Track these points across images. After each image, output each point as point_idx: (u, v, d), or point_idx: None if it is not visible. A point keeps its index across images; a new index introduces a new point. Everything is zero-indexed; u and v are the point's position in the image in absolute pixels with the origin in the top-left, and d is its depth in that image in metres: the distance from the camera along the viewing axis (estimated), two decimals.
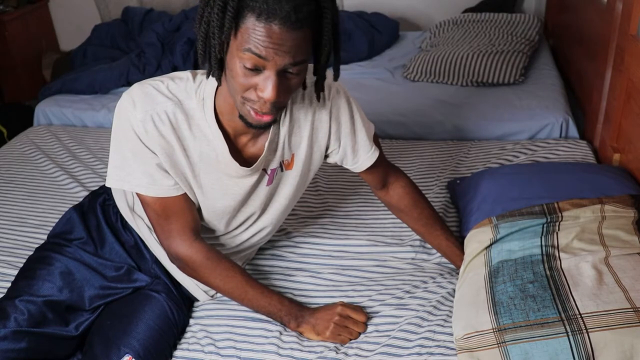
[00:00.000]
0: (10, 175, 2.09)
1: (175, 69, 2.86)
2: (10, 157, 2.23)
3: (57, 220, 1.47)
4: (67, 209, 1.47)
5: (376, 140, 1.39)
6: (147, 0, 3.60)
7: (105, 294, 1.34)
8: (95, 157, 2.17)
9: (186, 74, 1.19)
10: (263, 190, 1.30)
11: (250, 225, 1.37)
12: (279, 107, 1.08)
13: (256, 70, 1.00)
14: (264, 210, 1.35)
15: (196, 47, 1.05)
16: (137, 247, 1.38)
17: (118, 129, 1.17)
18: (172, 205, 1.21)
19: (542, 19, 2.98)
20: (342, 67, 2.90)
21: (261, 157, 1.22)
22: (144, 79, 2.93)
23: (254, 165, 1.23)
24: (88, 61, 3.04)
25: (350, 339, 1.27)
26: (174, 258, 1.26)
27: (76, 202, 1.57)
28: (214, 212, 1.29)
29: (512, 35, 2.70)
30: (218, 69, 1.06)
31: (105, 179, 1.97)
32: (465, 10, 3.23)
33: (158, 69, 2.82)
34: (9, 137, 2.72)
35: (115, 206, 1.39)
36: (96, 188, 1.60)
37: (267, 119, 1.08)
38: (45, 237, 1.47)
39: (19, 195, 1.97)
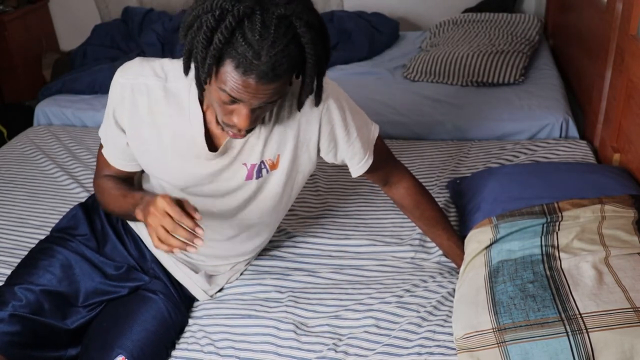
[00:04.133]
0: (10, 175, 2.09)
1: None
2: (10, 157, 2.23)
3: (57, 220, 1.48)
4: (67, 209, 1.48)
5: (379, 141, 1.38)
6: (147, 0, 3.60)
7: (103, 291, 1.35)
8: (95, 157, 2.16)
9: (178, 62, 1.21)
10: (241, 183, 1.27)
11: (234, 216, 1.35)
12: (251, 130, 1.15)
13: (231, 102, 1.04)
14: (247, 204, 1.33)
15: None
16: (137, 247, 1.40)
17: (109, 91, 1.25)
18: (104, 160, 1.32)
19: (542, 19, 2.98)
20: (342, 67, 2.91)
21: (225, 140, 1.21)
22: None
23: (219, 149, 1.23)
24: (88, 61, 3.04)
25: (165, 232, 1.08)
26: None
27: (76, 202, 1.57)
28: (175, 183, 1.29)
29: (512, 35, 2.70)
30: (199, 85, 1.08)
31: None
32: (465, 10, 3.23)
33: None
34: (9, 137, 2.72)
35: None
36: None
37: (241, 137, 1.14)
38: (44, 237, 1.47)
39: (19, 195, 1.97)
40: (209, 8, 0.96)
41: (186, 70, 1.08)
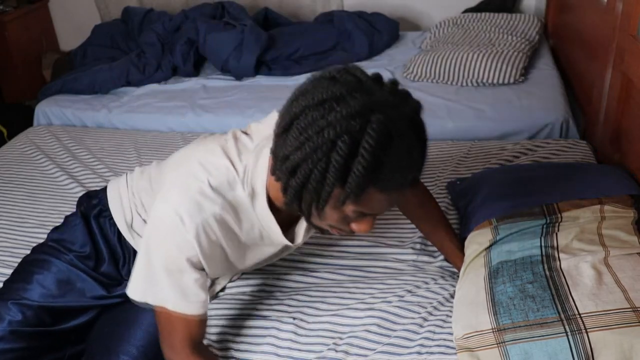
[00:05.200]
0: (10, 175, 2.09)
1: (175, 69, 2.87)
2: (10, 157, 2.23)
3: (57, 220, 1.46)
4: (67, 209, 1.46)
5: None
6: (147, 0, 3.60)
7: (104, 301, 1.33)
8: (95, 157, 2.17)
9: (221, 160, 1.10)
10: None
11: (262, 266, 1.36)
12: None
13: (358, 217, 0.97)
14: (279, 256, 1.33)
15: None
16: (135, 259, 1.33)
17: (158, 244, 1.07)
18: (191, 321, 1.11)
19: (542, 19, 2.98)
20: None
21: (304, 231, 1.19)
22: (144, 79, 2.95)
23: (298, 242, 1.20)
24: (88, 61, 3.04)
25: None
26: None
27: (76, 202, 1.56)
28: (236, 271, 1.27)
29: (512, 35, 2.70)
30: (311, 213, 0.97)
31: (105, 179, 1.98)
32: (465, 10, 3.23)
33: (158, 69, 2.83)
34: (9, 137, 2.72)
35: (111, 218, 1.32)
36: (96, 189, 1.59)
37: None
38: (45, 236, 1.46)
39: (19, 195, 1.97)
40: (330, 137, 0.84)
41: (302, 210, 0.96)
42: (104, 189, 1.37)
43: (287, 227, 1.20)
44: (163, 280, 1.07)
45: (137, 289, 1.11)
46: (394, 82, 0.94)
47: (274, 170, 0.97)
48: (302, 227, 1.20)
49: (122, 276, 1.33)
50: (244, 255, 1.19)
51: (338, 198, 0.90)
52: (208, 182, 1.06)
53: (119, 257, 1.32)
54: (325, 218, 0.97)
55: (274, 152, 0.96)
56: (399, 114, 0.88)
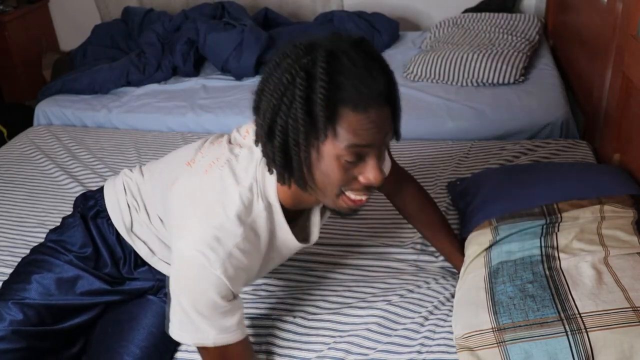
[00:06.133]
0: (10, 175, 2.09)
1: (175, 69, 2.87)
2: (10, 157, 2.23)
3: (57, 220, 1.45)
4: (67, 209, 1.46)
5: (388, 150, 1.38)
6: (147, 0, 3.60)
7: (107, 298, 1.33)
8: (95, 157, 2.17)
9: (232, 186, 1.07)
10: None
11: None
12: (380, 187, 1.04)
13: (357, 160, 0.96)
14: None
15: (262, 136, 0.96)
16: (135, 259, 1.32)
17: (186, 286, 1.05)
18: (233, 349, 1.10)
19: (542, 19, 2.98)
20: None
21: (318, 231, 1.21)
22: (144, 79, 2.94)
23: (313, 241, 1.22)
24: (88, 61, 3.04)
25: None
26: None
27: None
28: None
29: (512, 35, 2.70)
30: (305, 178, 0.98)
31: (104, 179, 1.98)
32: (465, 10, 3.23)
33: (158, 69, 2.83)
34: (9, 137, 2.72)
35: (109, 219, 1.31)
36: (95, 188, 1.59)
37: (366, 200, 1.03)
38: (44, 236, 1.46)
39: (19, 195, 1.97)
40: (288, 82, 0.90)
41: (281, 172, 0.98)
42: (100, 190, 1.37)
43: (300, 227, 1.21)
44: (199, 321, 1.05)
45: (178, 334, 1.09)
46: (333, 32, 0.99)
47: (265, 155, 0.99)
48: (315, 225, 1.21)
49: (123, 276, 1.32)
50: (264, 267, 1.19)
51: (318, 134, 0.92)
52: (225, 213, 1.04)
53: (119, 257, 1.31)
54: (326, 174, 0.96)
55: (257, 137, 0.99)
56: (342, 41, 0.94)
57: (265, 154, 0.99)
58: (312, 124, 0.91)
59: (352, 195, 1.01)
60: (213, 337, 1.06)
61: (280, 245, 1.17)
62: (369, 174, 0.97)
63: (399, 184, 1.44)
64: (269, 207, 1.09)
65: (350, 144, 0.92)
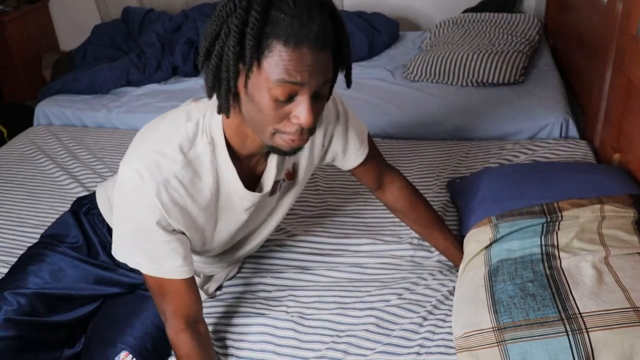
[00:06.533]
0: (10, 175, 2.09)
1: (175, 69, 2.87)
2: (10, 157, 2.23)
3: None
4: (67, 209, 1.47)
5: (370, 141, 1.38)
6: (147, 0, 3.60)
7: (103, 288, 1.34)
8: (95, 157, 2.17)
9: (181, 121, 1.10)
10: (266, 203, 1.27)
11: (249, 241, 1.36)
12: (313, 131, 1.04)
13: (288, 100, 0.96)
14: (263, 223, 1.34)
15: (198, 54, 0.99)
16: None
17: (123, 205, 1.10)
18: (169, 286, 1.13)
19: (542, 19, 2.97)
20: None
21: (273, 179, 1.20)
22: (144, 79, 2.94)
23: (266, 191, 1.20)
24: (88, 61, 3.04)
25: None
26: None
27: None
28: (217, 240, 1.26)
29: (512, 35, 2.70)
30: (229, 104, 1.00)
31: (104, 179, 1.98)
32: (465, 10, 3.23)
33: (158, 69, 2.83)
34: (9, 137, 2.72)
35: (100, 214, 1.36)
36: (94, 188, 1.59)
37: (302, 143, 1.03)
38: None
39: (18, 195, 1.97)
40: (230, 10, 0.92)
41: (211, 95, 1.01)
42: (94, 194, 1.41)
43: (254, 181, 1.21)
44: (132, 243, 1.11)
45: (116, 253, 1.16)
46: None
47: (205, 79, 1.00)
48: (268, 177, 1.20)
49: (116, 264, 1.34)
50: (214, 218, 1.19)
51: (246, 62, 0.92)
52: (168, 142, 1.08)
53: (109, 246, 1.32)
54: (258, 107, 0.97)
55: (198, 61, 1.00)
56: None
57: (205, 80, 1.01)
58: (242, 51, 0.92)
59: (285, 136, 1.01)
60: (145, 264, 1.11)
61: (228, 192, 1.16)
62: (299, 113, 0.97)
63: (383, 177, 1.44)
64: (212, 143, 1.10)
65: (280, 78, 0.92)
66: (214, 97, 1.02)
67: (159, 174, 1.05)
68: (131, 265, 1.15)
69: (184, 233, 1.14)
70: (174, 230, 1.11)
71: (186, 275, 1.14)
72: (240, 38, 0.91)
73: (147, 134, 1.11)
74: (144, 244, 1.11)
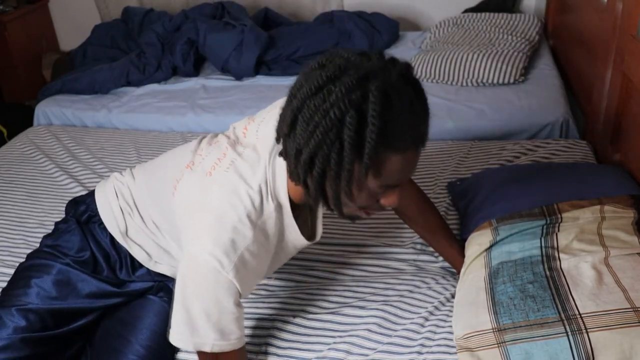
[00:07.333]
0: (10, 175, 2.09)
1: (175, 69, 2.87)
2: (10, 157, 2.23)
3: (57, 220, 1.45)
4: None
5: None
6: (147, 0, 3.60)
7: (109, 300, 1.32)
8: (95, 157, 2.17)
9: (242, 188, 1.06)
10: None
11: None
12: None
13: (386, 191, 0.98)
14: None
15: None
16: (132, 262, 1.32)
17: (196, 287, 1.04)
18: (228, 357, 1.10)
19: (542, 19, 2.98)
20: None
21: (320, 229, 1.23)
22: (144, 79, 2.94)
23: (318, 238, 1.23)
24: (88, 61, 3.04)
25: None
26: None
27: None
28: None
29: (512, 35, 2.70)
30: (335, 205, 0.99)
31: (104, 178, 1.98)
32: (465, 10, 3.23)
33: (158, 69, 2.83)
34: (9, 137, 2.72)
35: (101, 223, 1.31)
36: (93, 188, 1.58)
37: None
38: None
39: (18, 195, 1.97)
40: (337, 116, 0.86)
41: (322, 202, 0.99)
42: (89, 195, 1.36)
43: (303, 221, 1.21)
44: (201, 325, 1.04)
45: (179, 338, 1.08)
46: (380, 52, 0.95)
47: (291, 172, 0.98)
48: (319, 225, 1.22)
49: (120, 279, 1.32)
50: (271, 267, 1.20)
51: (360, 174, 0.91)
52: (237, 216, 1.04)
53: (114, 260, 1.31)
54: (354, 201, 0.97)
55: (286, 153, 0.97)
56: (392, 75, 0.90)
57: (297, 177, 0.97)
58: (355, 164, 0.90)
59: (365, 214, 1.04)
60: (211, 342, 1.06)
61: (287, 244, 1.17)
62: (390, 200, 1.00)
63: None
64: (279, 208, 1.09)
65: (386, 184, 0.94)
66: (261, 149, 1.04)
67: (235, 254, 1.02)
68: (194, 349, 1.09)
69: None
70: (240, 303, 1.08)
71: (243, 344, 1.12)
72: (356, 150, 0.88)
73: (206, 206, 1.06)
74: (215, 324, 1.05)
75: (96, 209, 1.31)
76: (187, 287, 1.05)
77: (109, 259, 1.31)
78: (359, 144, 0.88)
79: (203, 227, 1.04)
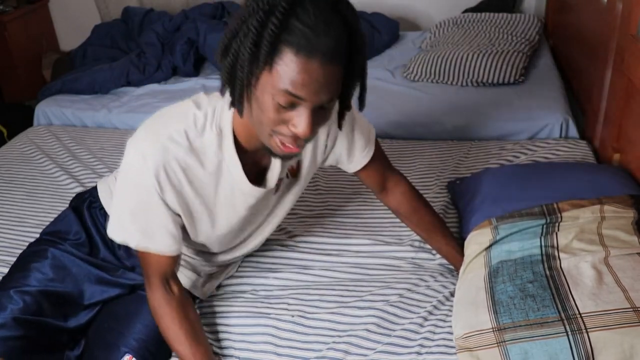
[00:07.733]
0: (10, 175, 2.09)
1: (175, 69, 2.87)
2: (10, 157, 2.23)
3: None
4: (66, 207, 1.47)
5: (376, 143, 1.39)
6: (147, 0, 3.60)
7: (104, 289, 1.34)
8: (95, 157, 2.17)
9: (190, 109, 1.13)
10: (268, 200, 1.28)
11: (250, 240, 1.37)
12: (309, 140, 1.05)
13: (290, 106, 0.96)
14: (264, 221, 1.34)
15: (223, 73, 0.99)
16: (129, 253, 1.36)
17: (124, 183, 1.13)
18: (154, 259, 1.17)
19: (542, 19, 2.98)
20: None
21: (278, 175, 1.20)
22: (144, 78, 2.94)
23: (270, 187, 1.21)
24: (88, 61, 3.04)
25: None
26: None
27: None
28: (217, 236, 1.27)
29: (512, 35, 2.70)
30: (242, 102, 1.00)
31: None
32: (465, 10, 3.23)
33: (158, 69, 2.83)
34: (9, 137, 2.72)
35: (102, 208, 1.37)
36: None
37: (296, 151, 1.04)
38: None
39: (18, 195, 1.97)
40: (252, 11, 0.92)
41: (225, 90, 1.01)
42: (94, 187, 1.42)
43: (258, 177, 1.21)
44: (128, 219, 1.14)
45: (112, 230, 1.18)
46: None
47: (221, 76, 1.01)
48: (273, 173, 1.21)
49: (119, 260, 1.35)
50: (213, 211, 1.20)
51: (259, 64, 0.93)
52: (176, 127, 1.10)
53: (111, 242, 1.33)
54: (262, 108, 0.97)
55: (215, 56, 1.01)
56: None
57: (220, 74, 1.02)
58: (256, 53, 0.92)
59: (280, 139, 1.01)
60: (136, 240, 1.14)
61: (231, 187, 1.17)
62: (297, 123, 0.97)
63: (387, 181, 1.44)
64: (220, 135, 1.12)
65: (285, 88, 0.93)
66: (227, 92, 1.02)
67: (161, 157, 1.08)
68: (121, 241, 1.18)
69: (179, 215, 1.17)
70: (170, 208, 1.14)
71: (176, 253, 1.18)
72: (257, 40, 0.91)
73: (157, 118, 1.15)
74: (140, 222, 1.14)
75: (97, 195, 1.38)
76: (118, 182, 1.14)
77: (106, 240, 1.34)
78: (260, 34, 0.91)
79: (143, 131, 1.12)
